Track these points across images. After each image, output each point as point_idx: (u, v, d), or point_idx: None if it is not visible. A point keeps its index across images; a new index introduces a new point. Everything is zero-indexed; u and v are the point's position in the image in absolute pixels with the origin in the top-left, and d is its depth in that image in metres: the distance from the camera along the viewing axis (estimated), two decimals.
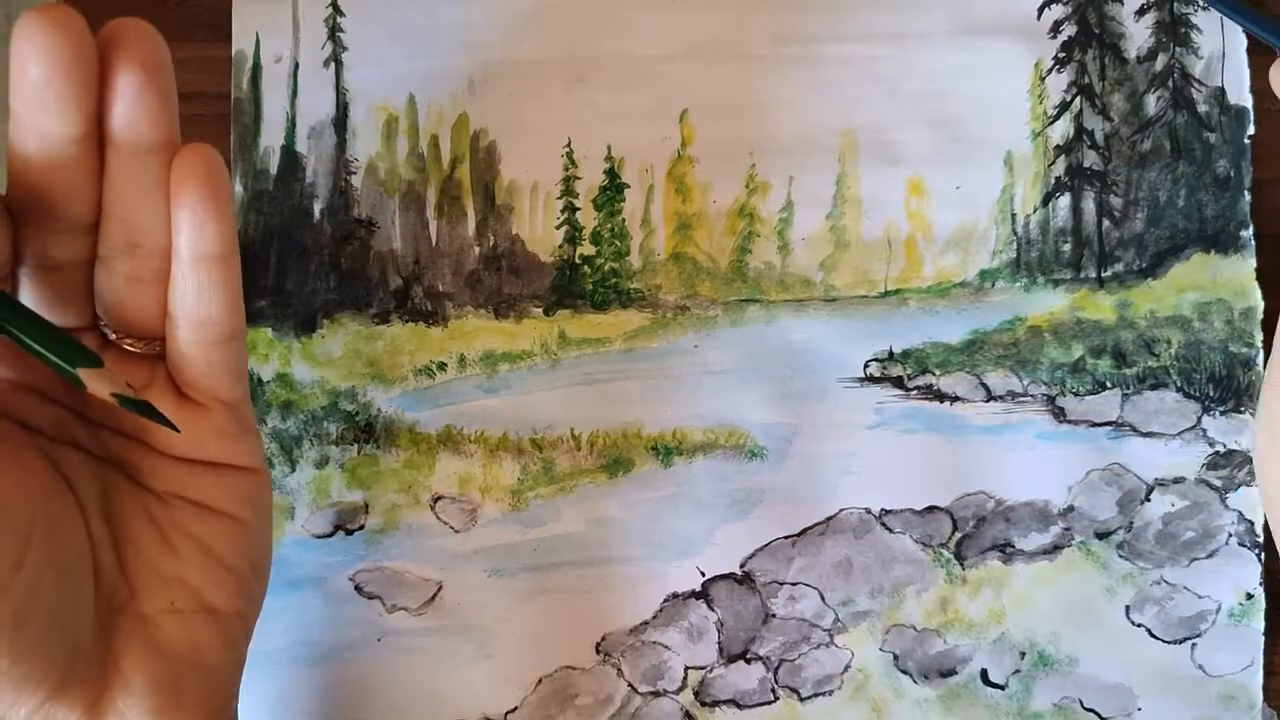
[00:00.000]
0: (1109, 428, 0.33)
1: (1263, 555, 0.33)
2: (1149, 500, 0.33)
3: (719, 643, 0.33)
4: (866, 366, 0.33)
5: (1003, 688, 0.33)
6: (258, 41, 0.33)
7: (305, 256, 0.33)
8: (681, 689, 0.33)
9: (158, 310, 0.26)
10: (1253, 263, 0.33)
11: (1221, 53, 0.34)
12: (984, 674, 0.33)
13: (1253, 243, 0.33)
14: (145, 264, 0.25)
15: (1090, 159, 0.34)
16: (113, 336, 0.26)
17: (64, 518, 0.25)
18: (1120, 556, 0.33)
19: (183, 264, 0.25)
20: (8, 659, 0.23)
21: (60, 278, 0.26)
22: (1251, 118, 0.34)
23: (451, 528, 0.33)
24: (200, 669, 0.26)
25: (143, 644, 0.26)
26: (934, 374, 0.33)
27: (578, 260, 0.33)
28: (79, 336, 0.26)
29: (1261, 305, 0.33)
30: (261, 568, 0.28)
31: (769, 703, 0.33)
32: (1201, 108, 0.34)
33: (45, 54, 0.23)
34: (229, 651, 0.27)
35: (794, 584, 0.33)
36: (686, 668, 0.33)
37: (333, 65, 0.33)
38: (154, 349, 0.27)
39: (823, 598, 0.33)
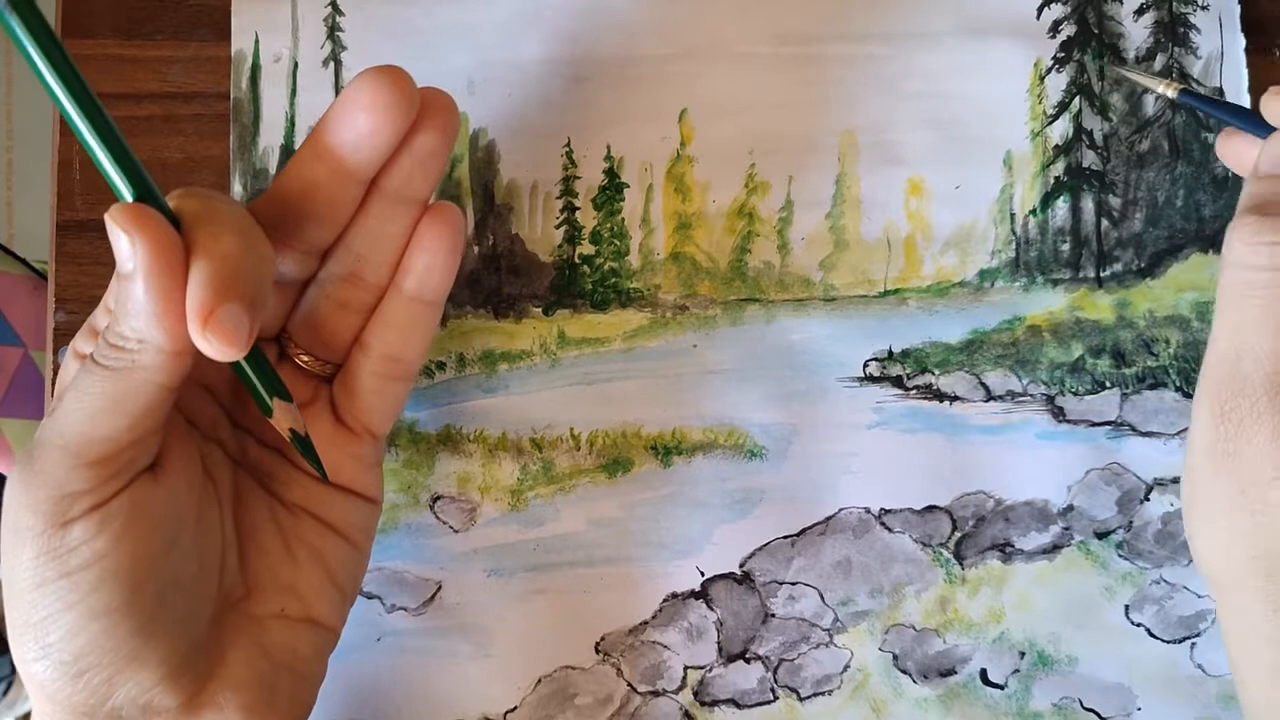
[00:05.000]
0: (1108, 427, 0.33)
1: None
2: (1148, 500, 0.33)
3: (718, 642, 0.33)
4: (866, 366, 0.33)
5: (1002, 687, 0.33)
6: (257, 41, 0.33)
7: None
8: (681, 688, 0.33)
9: (348, 338, 0.29)
10: None
11: (1220, 53, 0.34)
12: (983, 674, 0.33)
13: None
14: (357, 295, 0.28)
15: (1089, 159, 0.34)
16: (292, 351, 0.28)
17: (209, 512, 0.27)
18: (1120, 556, 0.33)
19: (400, 301, 0.28)
20: (143, 635, 0.24)
21: (277, 291, 0.28)
22: None
23: (451, 527, 0.33)
24: (294, 675, 0.27)
25: (250, 642, 0.27)
26: (933, 373, 0.33)
27: (577, 260, 0.33)
28: (262, 345, 0.27)
29: None
30: (355, 592, 0.30)
31: (768, 702, 0.33)
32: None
33: (380, 110, 0.25)
34: (319, 663, 0.29)
35: (793, 584, 0.33)
36: (686, 667, 0.33)
37: (332, 65, 0.34)
38: (326, 370, 0.29)
39: (822, 597, 0.33)
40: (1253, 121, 0.29)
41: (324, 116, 0.26)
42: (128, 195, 0.24)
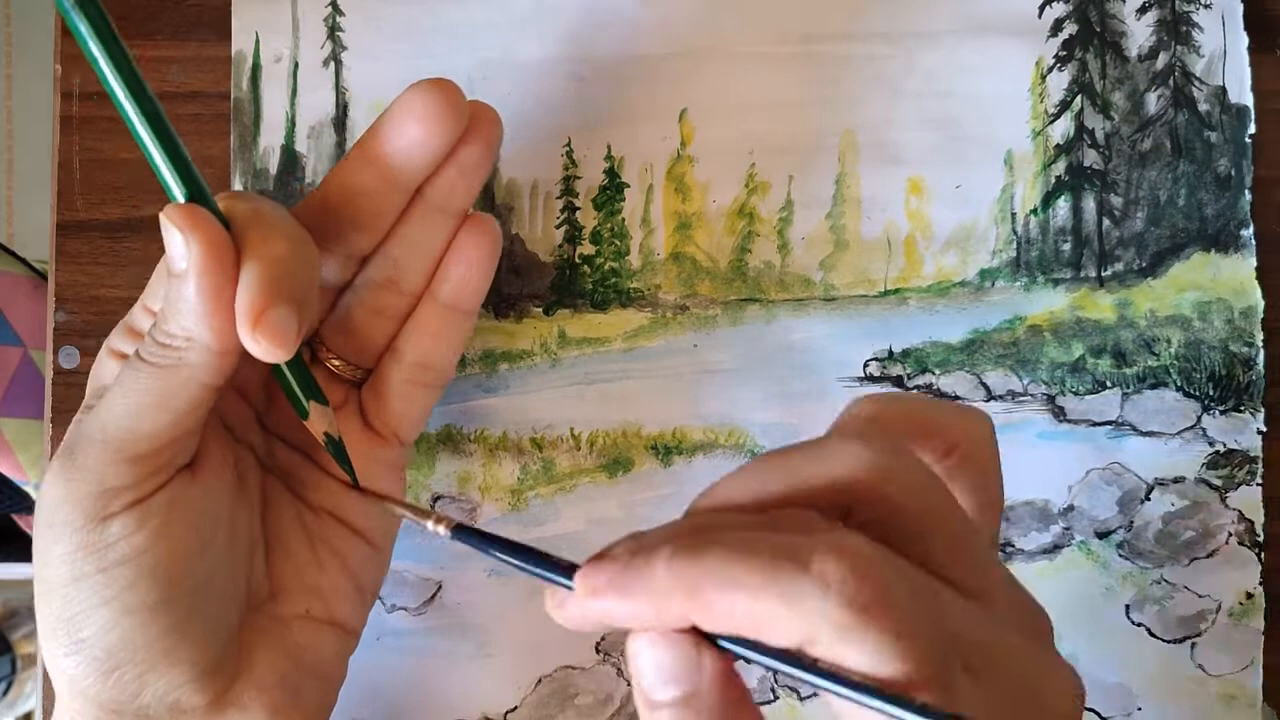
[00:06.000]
0: (1109, 427, 0.33)
1: (1263, 555, 0.33)
2: (1149, 500, 0.33)
3: None
4: (866, 366, 0.33)
5: None
6: (257, 41, 0.33)
7: None
8: None
9: (381, 344, 0.29)
10: (1253, 262, 0.33)
11: (1223, 51, 0.34)
12: None
13: (1253, 242, 0.33)
14: (393, 302, 0.28)
15: (1091, 158, 0.34)
16: (324, 355, 0.29)
17: (241, 514, 0.27)
18: (1120, 556, 0.33)
19: (435, 309, 0.28)
20: (176, 633, 0.24)
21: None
22: (1252, 116, 0.34)
23: None
24: (317, 676, 0.28)
25: (275, 643, 0.27)
26: (934, 373, 0.33)
27: (577, 260, 0.33)
28: None
29: (1262, 304, 0.33)
30: (376, 595, 0.30)
31: (769, 702, 0.33)
32: (1202, 106, 0.34)
33: (432, 121, 0.25)
34: (341, 664, 0.29)
35: None
36: None
37: (332, 64, 0.33)
38: (357, 375, 0.29)
39: None
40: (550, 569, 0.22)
41: (374, 125, 0.26)
42: (180, 195, 0.24)
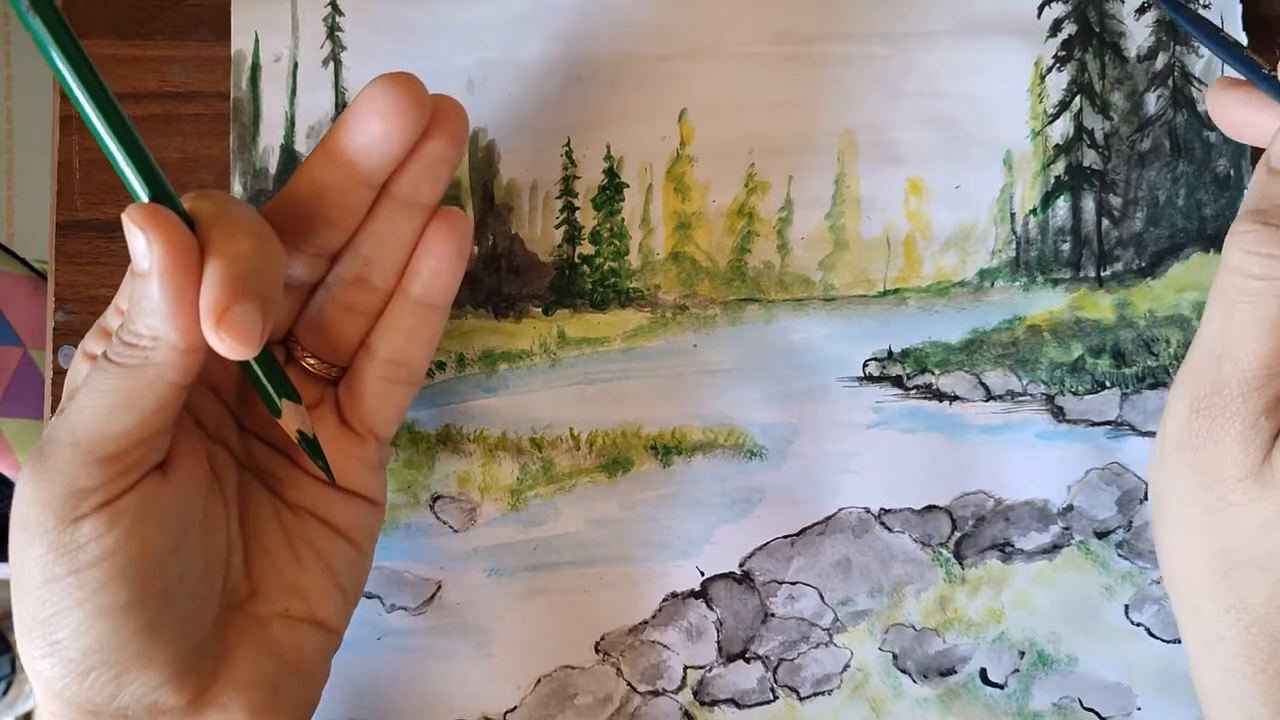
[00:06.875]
0: (1108, 427, 0.33)
1: None
2: (1148, 499, 0.33)
3: (718, 642, 0.33)
4: (865, 366, 0.33)
5: (1002, 687, 0.33)
6: (257, 41, 0.33)
7: None
8: (681, 688, 0.33)
9: (354, 341, 0.29)
10: None
11: None
12: (983, 673, 0.33)
13: None
14: (364, 299, 0.28)
15: (1090, 158, 0.34)
16: (298, 353, 0.29)
17: (215, 512, 0.27)
18: (1120, 556, 0.33)
19: (406, 305, 0.28)
20: (149, 633, 0.24)
21: (285, 294, 0.28)
22: None
23: (450, 527, 0.33)
24: (299, 675, 0.28)
25: (254, 642, 0.27)
26: (933, 373, 0.33)
27: (577, 260, 0.33)
28: (270, 348, 0.27)
29: None
30: (358, 594, 0.30)
31: (768, 702, 0.33)
32: (1201, 106, 0.34)
33: (393, 116, 0.25)
34: (323, 663, 0.29)
35: (793, 583, 0.33)
36: (686, 667, 0.33)
37: (332, 64, 0.34)
38: (331, 373, 0.29)
39: (822, 597, 0.33)
40: (1256, 71, 0.26)
41: (337, 121, 0.26)
42: (143, 195, 0.24)
